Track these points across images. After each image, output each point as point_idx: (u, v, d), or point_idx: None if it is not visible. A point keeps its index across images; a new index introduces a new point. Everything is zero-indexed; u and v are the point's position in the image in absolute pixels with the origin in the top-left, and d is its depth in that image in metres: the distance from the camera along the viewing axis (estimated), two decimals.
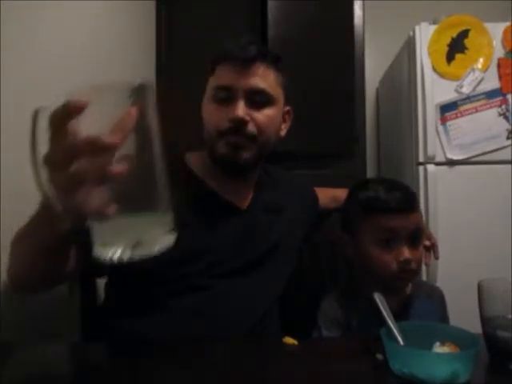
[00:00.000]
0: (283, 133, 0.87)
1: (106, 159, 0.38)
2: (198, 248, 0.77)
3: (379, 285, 0.76)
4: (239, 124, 0.75)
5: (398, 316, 0.64)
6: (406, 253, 0.78)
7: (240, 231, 0.82)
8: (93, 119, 0.39)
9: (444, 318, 0.87)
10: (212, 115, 0.79)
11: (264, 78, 0.78)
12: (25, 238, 0.61)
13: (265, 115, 0.78)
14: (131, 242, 0.42)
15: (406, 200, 0.81)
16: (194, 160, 0.87)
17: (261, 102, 0.78)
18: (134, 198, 0.42)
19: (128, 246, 0.42)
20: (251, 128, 0.77)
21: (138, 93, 0.41)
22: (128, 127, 0.38)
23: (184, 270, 0.75)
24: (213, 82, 0.80)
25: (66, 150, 0.40)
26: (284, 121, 0.87)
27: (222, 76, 0.79)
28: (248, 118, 0.76)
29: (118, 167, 0.38)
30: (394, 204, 0.79)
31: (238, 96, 0.76)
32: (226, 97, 0.77)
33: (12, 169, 0.76)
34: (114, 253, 0.42)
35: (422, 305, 0.84)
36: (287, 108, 0.87)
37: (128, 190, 0.41)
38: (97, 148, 0.37)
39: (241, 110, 0.75)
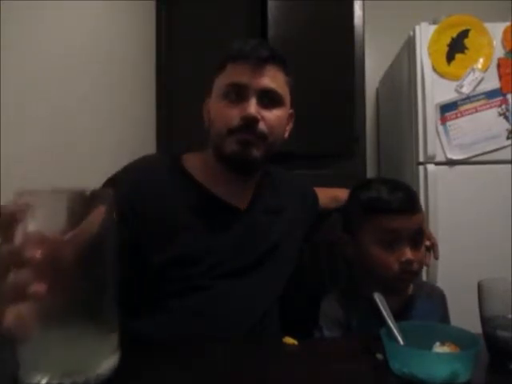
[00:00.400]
0: (286, 135, 0.87)
1: (29, 274, 0.34)
2: (198, 250, 0.77)
3: (379, 285, 0.75)
4: (251, 122, 0.75)
5: (399, 316, 0.64)
6: (408, 254, 0.77)
7: (240, 232, 0.82)
8: (41, 226, 0.36)
9: (445, 317, 0.86)
10: (222, 113, 0.78)
11: (274, 79, 0.78)
12: None
13: (274, 115, 0.78)
14: (64, 367, 0.38)
15: (409, 201, 0.80)
16: (193, 161, 0.86)
17: (271, 102, 0.78)
18: (75, 316, 0.38)
19: (60, 371, 0.37)
20: (262, 127, 0.76)
21: (90, 202, 0.38)
22: (84, 237, 0.35)
23: (185, 272, 0.75)
24: (224, 80, 0.79)
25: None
26: (287, 123, 0.87)
27: (235, 74, 0.78)
28: (259, 117, 0.76)
29: (36, 286, 0.33)
30: (396, 205, 0.79)
31: (250, 94, 0.76)
32: (238, 95, 0.77)
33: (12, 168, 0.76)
34: (42, 379, 0.37)
35: (422, 305, 0.84)
36: (291, 110, 0.87)
37: (68, 307, 0.37)
38: (19, 261, 0.34)
39: (253, 107, 0.75)
